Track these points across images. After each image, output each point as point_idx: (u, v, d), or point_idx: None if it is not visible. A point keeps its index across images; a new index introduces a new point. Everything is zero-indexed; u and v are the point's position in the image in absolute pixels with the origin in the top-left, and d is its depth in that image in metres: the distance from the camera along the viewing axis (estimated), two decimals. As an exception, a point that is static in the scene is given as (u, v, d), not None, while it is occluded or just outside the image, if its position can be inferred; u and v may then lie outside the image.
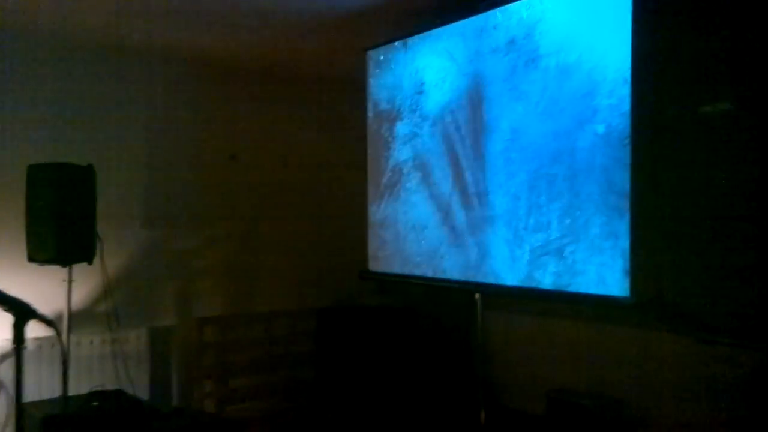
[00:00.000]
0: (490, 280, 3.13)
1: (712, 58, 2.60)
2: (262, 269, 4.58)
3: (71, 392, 3.38)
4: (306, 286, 4.69)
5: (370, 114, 3.85)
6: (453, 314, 4.14)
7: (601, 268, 2.67)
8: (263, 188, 4.56)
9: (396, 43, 3.64)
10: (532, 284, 2.94)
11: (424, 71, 3.49)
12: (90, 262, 3.32)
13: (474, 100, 3.21)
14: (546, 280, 2.89)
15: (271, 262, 4.59)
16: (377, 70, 3.79)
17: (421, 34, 3.48)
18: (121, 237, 3.96)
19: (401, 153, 3.64)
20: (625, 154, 2.58)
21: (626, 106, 2.58)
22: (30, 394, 3.40)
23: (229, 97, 4.42)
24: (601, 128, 2.68)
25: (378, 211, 3.81)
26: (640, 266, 2.58)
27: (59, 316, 3.36)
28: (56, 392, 3.48)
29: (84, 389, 3.52)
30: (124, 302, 3.93)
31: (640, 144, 2.57)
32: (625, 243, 2.59)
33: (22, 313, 2.13)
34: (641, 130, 2.57)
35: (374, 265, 3.83)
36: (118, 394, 3.42)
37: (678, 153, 2.71)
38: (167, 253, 4.19)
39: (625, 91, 2.58)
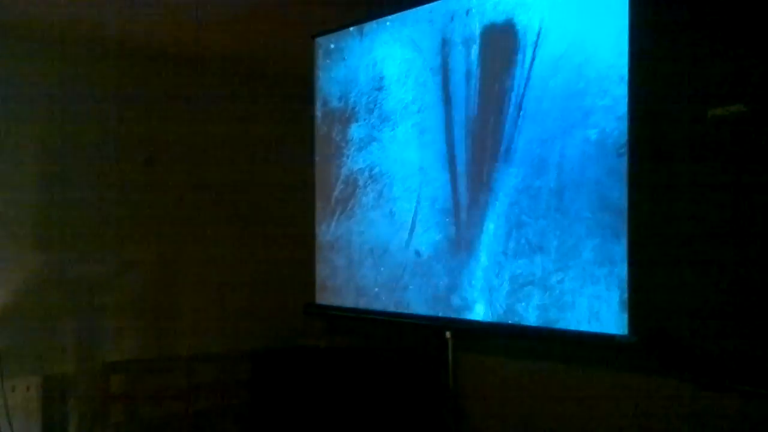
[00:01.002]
0: (464, 315, 3.14)
1: (723, 52, 2.65)
2: (185, 303, 4.54)
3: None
4: (239, 323, 4.66)
5: (318, 113, 3.84)
6: (419, 357, 4.11)
7: (595, 301, 2.69)
8: (187, 201, 4.52)
9: (350, 29, 3.64)
10: (513, 320, 2.94)
11: (383, 63, 3.50)
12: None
13: (443, 98, 3.23)
14: (529, 315, 2.89)
15: (196, 294, 4.56)
16: (327, 61, 3.78)
17: (381, 19, 3.49)
18: (6, 261, 3.83)
19: (356, 161, 3.63)
20: (622, 165, 2.61)
21: (623, 108, 2.60)
22: None
23: (145, 89, 4.38)
24: (593, 134, 2.70)
25: (328, 230, 3.78)
26: (640, 298, 2.59)
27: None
28: None
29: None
30: (11, 344, 3.81)
31: (639, 153, 2.60)
32: (622, 270, 2.61)
33: None
34: (640, 136, 2.60)
35: (323, 298, 3.80)
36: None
37: (684, 163, 2.74)
38: (66, 282, 4.10)
39: (621, 91, 2.61)
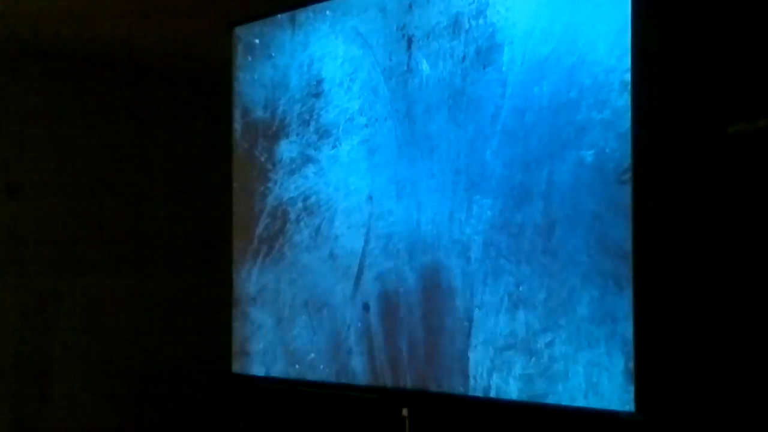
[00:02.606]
0: (425, 387, 3.14)
1: (746, 56, 2.74)
2: (56, 372, 4.48)
3: None
4: (129, 399, 4.61)
5: (237, 125, 3.84)
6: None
7: (593, 369, 2.72)
8: (61, 240, 4.50)
9: (279, 16, 3.66)
10: (490, 394, 2.95)
11: (322, 62, 3.52)
12: None
13: (399, 108, 3.26)
14: (510, 387, 2.91)
15: (72, 360, 4.51)
16: (249, 59, 3.79)
17: (319, 5, 3.53)
18: None
19: (286, 188, 3.64)
20: (625, 195, 2.66)
21: (625, 123, 2.66)
22: None
23: (11, 94, 4.34)
24: (588, 155, 2.76)
25: (249, 278, 3.77)
26: (649, 366, 2.64)
27: None
28: None
29: None
30: None
31: (646, 179, 2.65)
32: (626, 329, 2.64)
33: None
34: (647, 158, 2.66)
35: (242, 365, 3.78)
36: None
37: (700, 191, 2.82)
38: None
39: (623, 102, 2.67)
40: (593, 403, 2.71)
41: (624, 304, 2.65)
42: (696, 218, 2.83)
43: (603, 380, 2.70)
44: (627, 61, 2.67)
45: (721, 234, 2.79)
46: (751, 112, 2.75)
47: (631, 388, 2.63)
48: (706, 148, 2.81)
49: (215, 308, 3.95)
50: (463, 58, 3.09)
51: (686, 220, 2.83)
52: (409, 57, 3.25)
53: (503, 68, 2.97)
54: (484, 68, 3.03)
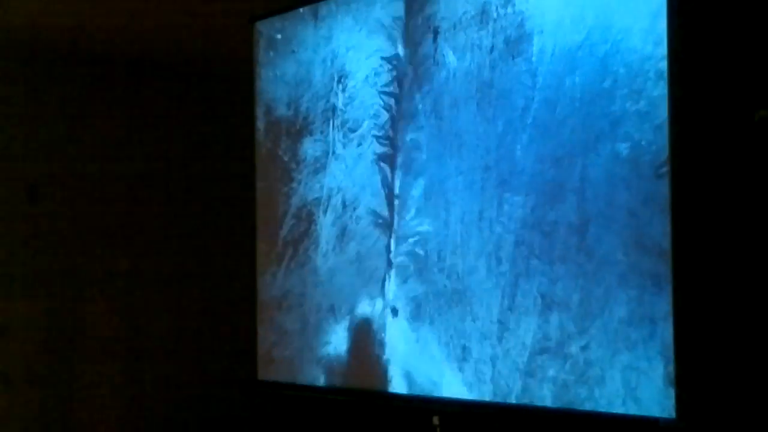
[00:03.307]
0: (457, 394, 3.11)
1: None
2: (84, 380, 4.48)
3: None
4: (156, 407, 4.60)
5: (260, 124, 3.84)
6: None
7: (631, 374, 2.65)
8: (85, 246, 4.51)
9: (301, 10, 3.66)
10: (523, 401, 2.91)
11: (346, 57, 3.51)
12: None
13: (426, 103, 3.24)
14: (544, 393, 2.86)
15: (98, 370, 4.51)
16: (271, 54, 3.79)
17: (342, -1, 3.52)
18: None
19: (311, 187, 3.63)
20: (663, 189, 2.59)
21: (662, 113, 2.59)
22: None
23: (29, 97, 4.38)
24: (624, 148, 2.69)
25: (274, 282, 3.76)
26: (691, 371, 2.56)
27: None
28: None
29: None
30: None
31: (684, 172, 2.58)
32: (666, 331, 2.58)
33: None
34: (684, 150, 2.59)
35: (268, 372, 3.78)
36: None
37: (735, 182, 2.72)
38: None
39: (660, 91, 2.60)
40: (631, 409, 2.65)
41: (663, 305, 2.58)
42: (734, 212, 2.73)
43: (641, 386, 2.63)
44: (663, 49, 2.60)
45: (759, 228, 2.69)
46: None
47: (672, 394, 2.55)
48: (735, 137, 2.71)
49: (241, 315, 3.94)
50: (492, 49, 3.05)
51: (724, 214, 2.74)
52: (435, 49, 3.22)
53: (533, 59, 2.92)
54: (514, 59, 2.98)
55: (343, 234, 3.51)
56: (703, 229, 2.68)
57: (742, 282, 2.70)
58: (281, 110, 3.75)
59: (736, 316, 2.70)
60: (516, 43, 2.96)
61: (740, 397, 2.68)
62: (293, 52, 3.69)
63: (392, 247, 3.34)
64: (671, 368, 2.56)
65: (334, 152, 3.55)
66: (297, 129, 3.68)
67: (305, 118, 3.65)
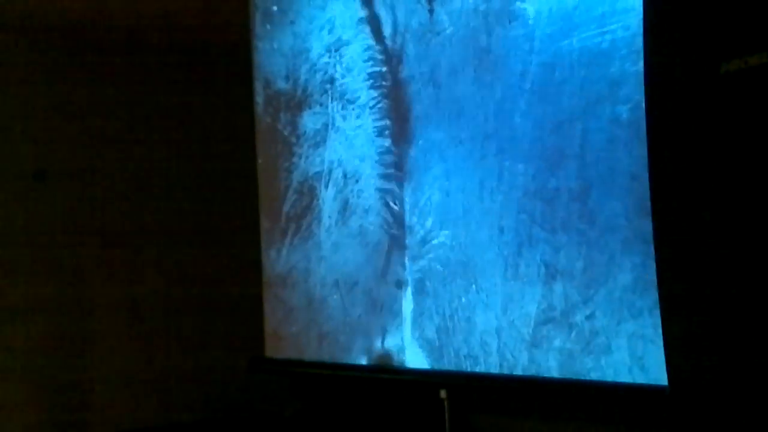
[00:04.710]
0: (463, 367, 3.11)
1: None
2: (96, 363, 4.52)
3: None
4: (169, 386, 4.65)
5: (259, 99, 3.85)
6: (406, 424, 4.07)
7: (637, 342, 2.63)
8: (91, 227, 4.52)
9: (296, -19, 3.67)
10: (529, 372, 2.90)
11: (343, 26, 3.50)
12: None
13: (423, 71, 3.22)
14: (550, 363, 2.85)
15: (111, 350, 4.53)
16: (268, 27, 3.79)
17: (337, -34, 3.52)
18: None
19: (312, 161, 3.64)
20: (664, 152, 2.57)
21: (661, 73, 2.56)
22: None
23: (30, 77, 4.38)
24: (623, 111, 2.66)
25: (279, 259, 3.78)
26: (695, 337, 2.53)
27: None
28: None
29: None
30: None
31: (658, 132, 2.51)
32: (672, 298, 2.56)
33: None
34: (657, 108, 2.53)
35: (275, 349, 3.82)
36: None
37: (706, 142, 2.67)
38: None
39: (655, 51, 2.58)
40: (638, 378, 2.63)
41: (668, 271, 2.56)
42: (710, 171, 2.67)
43: (648, 354, 2.61)
44: (658, 5, 2.57)
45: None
46: (744, 48, 2.58)
47: (679, 361, 2.54)
48: (696, 91, 2.63)
49: (247, 292, 3.95)
50: (487, 14, 3.01)
51: (701, 175, 2.68)
52: (431, 15, 3.19)
53: (530, 22, 2.89)
54: (510, 23, 2.94)
55: (345, 208, 3.52)
56: (684, 190, 2.64)
57: (728, 244, 2.66)
58: (280, 83, 3.76)
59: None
60: (512, 5, 2.93)
61: (739, 364, 2.65)
62: (290, 23, 3.69)
63: (394, 220, 3.33)
64: (678, 335, 2.56)
65: (333, 124, 3.55)
66: (296, 102, 3.69)
67: (304, 91, 3.66)
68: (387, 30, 3.34)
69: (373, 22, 3.38)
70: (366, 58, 3.42)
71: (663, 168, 2.53)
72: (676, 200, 2.58)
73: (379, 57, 3.37)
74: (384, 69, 3.35)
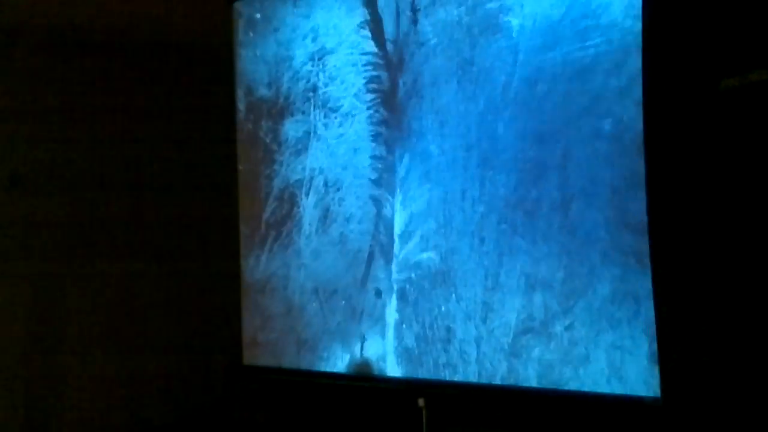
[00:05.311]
0: (442, 375, 3.11)
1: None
2: (68, 369, 4.51)
3: None
4: (144, 393, 4.63)
5: (241, 106, 3.84)
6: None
7: (615, 353, 2.65)
8: (67, 231, 4.52)
9: (280, -13, 3.67)
10: (508, 381, 2.91)
11: (327, 35, 3.50)
12: None
13: (407, 81, 3.23)
14: (528, 373, 2.87)
15: (83, 356, 4.52)
16: (251, 35, 3.79)
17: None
18: None
19: (293, 169, 3.63)
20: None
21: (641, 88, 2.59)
22: None
23: (2, 79, 4.36)
24: (606, 125, 2.68)
25: (257, 266, 3.77)
26: (675, 349, 2.56)
27: None
28: None
29: None
30: None
31: (659, 146, 2.57)
32: (650, 310, 2.58)
33: None
34: (655, 124, 2.58)
35: (253, 356, 3.80)
36: None
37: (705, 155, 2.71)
38: None
39: (640, 65, 2.59)
40: (616, 388, 2.65)
41: (646, 283, 2.58)
42: (710, 187, 2.72)
43: (626, 365, 2.64)
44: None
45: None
46: (745, 66, 2.63)
47: (655, 372, 2.56)
48: (698, 107, 2.69)
49: (224, 298, 3.94)
50: (471, 26, 3.03)
51: (699, 189, 2.73)
52: (416, 26, 3.20)
53: (513, 34, 2.91)
54: (494, 35, 2.97)
55: (325, 216, 3.51)
56: (680, 205, 2.68)
57: (724, 257, 2.70)
58: (262, 91, 3.75)
59: (721, 292, 2.71)
60: (496, 18, 2.94)
61: (725, 375, 2.69)
62: (273, 31, 3.68)
63: (375, 229, 3.34)
64: (655, 347, 2.56)
65: (315, 132, 3.55)
66: (278, 109, 3.68)
67: (286, 98, 3.65)
68: (371, 40, 3.34)
69: (358, 32, 3.38)
70: (349, 67, 3.42)
71: (661, 182, 2.59)
72: (674, 215, 2.64)
73: (363, 66, 3.37)
74: (367, 78, 3.35)
